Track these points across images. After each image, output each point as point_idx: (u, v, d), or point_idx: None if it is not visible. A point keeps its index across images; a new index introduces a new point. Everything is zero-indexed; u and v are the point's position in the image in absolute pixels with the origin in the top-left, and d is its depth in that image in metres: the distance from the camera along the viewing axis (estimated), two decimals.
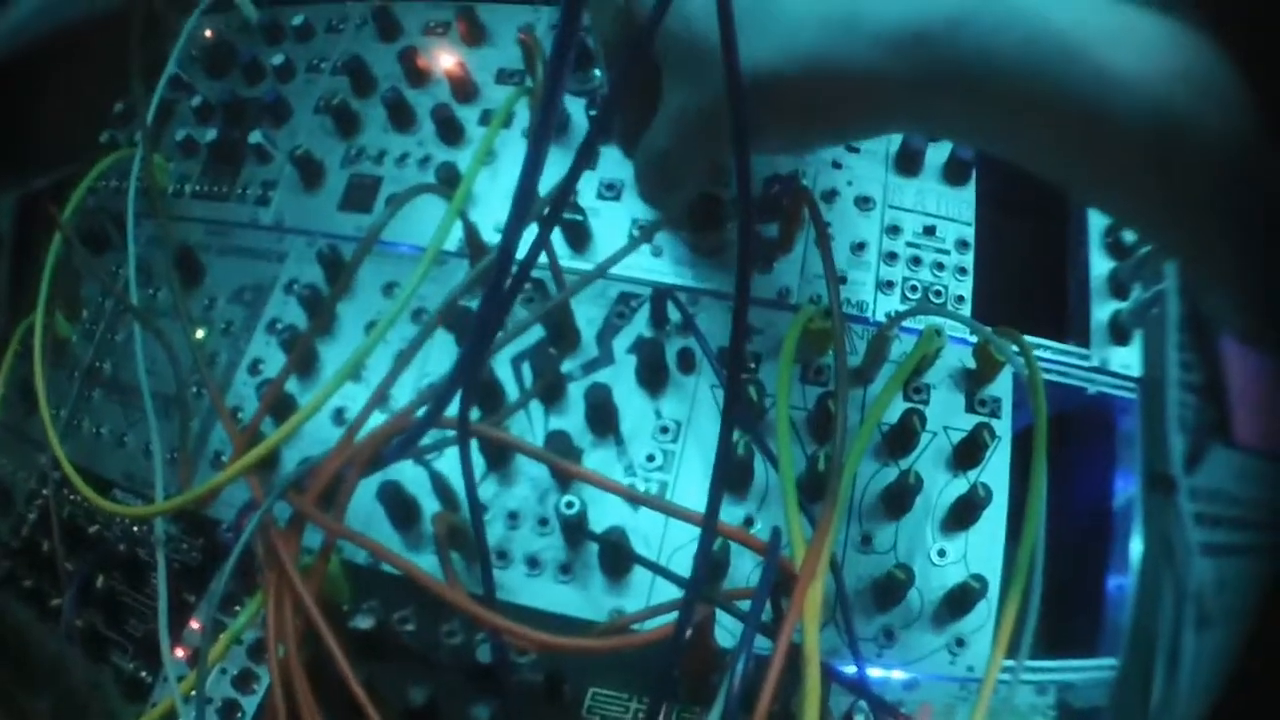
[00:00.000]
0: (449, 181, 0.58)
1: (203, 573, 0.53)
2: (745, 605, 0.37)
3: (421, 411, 0.41)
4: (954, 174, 0.57)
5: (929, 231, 0.56)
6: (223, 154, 0.65)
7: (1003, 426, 0.51)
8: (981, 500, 0.47)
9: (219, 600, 0.46)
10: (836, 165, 0.57)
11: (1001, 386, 0.52)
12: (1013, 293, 0.57)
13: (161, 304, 0.61)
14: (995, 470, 0.50)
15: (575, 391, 0.52)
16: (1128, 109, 0.31)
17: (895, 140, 0.58)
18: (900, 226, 0.56)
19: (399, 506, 0.49)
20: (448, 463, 0.49)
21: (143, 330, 0.58)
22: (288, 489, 0.44)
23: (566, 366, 0.53)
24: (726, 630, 0.44)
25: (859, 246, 0.55)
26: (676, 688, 0.43)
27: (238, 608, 0.49)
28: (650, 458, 0.51)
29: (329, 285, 0.57)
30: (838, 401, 0.43)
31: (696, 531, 0.34)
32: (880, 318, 0.54)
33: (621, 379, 0.53)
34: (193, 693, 0.45)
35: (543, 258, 0.51)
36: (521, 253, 0.31)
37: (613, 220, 0.57)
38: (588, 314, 0.54)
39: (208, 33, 0.71)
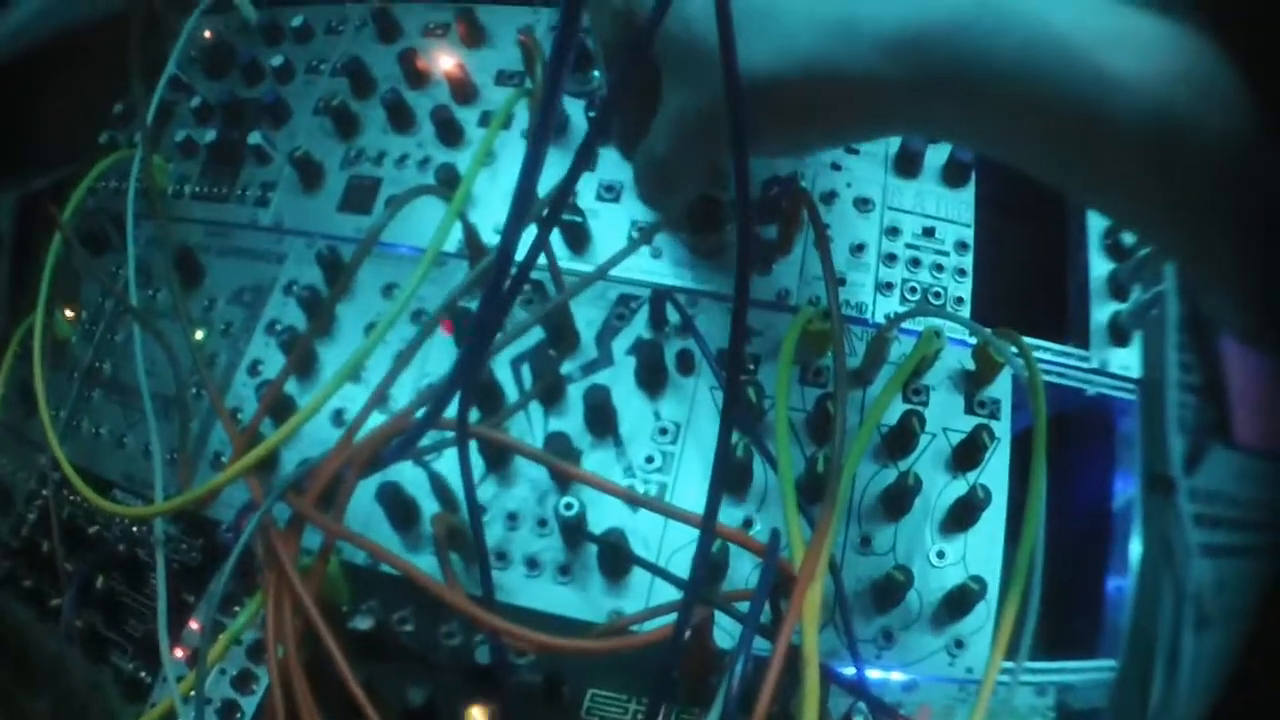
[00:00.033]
0: (448, 183, 0.58)
1: (202, 573, 0.53)
2: (744, 607, 0.37)
3: (421, 413, 0.41)
4: (953, 176, 0.57)
5: (928, 233, 0.56)
6: (222, 155, 0.65)
7: (1002, 428, 0.51)
8: (981, 502, 0.47)
9: (218, 601, 0.46)
10: (836, 167, 0.58)
11: (1001, 388, 0.52)
12: (1012, 294, 0.57)
13: (161, 305, 0.61)
14: (994, 472, 0.50)
15: (574, 393, 0.52)
16: (1128, 111, 0.31)
17: (894, 142, 0.58)
18: (899, 228, 0.56)
19: (398, 507, 0.49)
20: (447, 464, 0.49)
21: (142, 331, 0.58)
22: (287, 490, 0.44)
23: (566, 368, 0.53)
24: (725, 631, 0.44)
25: (858, 248, 0.55)
26: (675, 689, 0.43)
27: (237, 608, 0.50)
28: (649, 459, 0.51)
29: (328, 286, 0.57)
30: (837, 403, 0.43)
31: (695, 533, 0.34)
32: (879, 319, 0.54)
33: (621, 380, 0.53)
34: (192, 693, 0.45)
35: (542, 259, 0.51)
36: (521, 254, 0.31)
37: (612, 222, 0.57)
38: (587, 315, 0.55)
39: (207, 34, 0.71)
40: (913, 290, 0.54)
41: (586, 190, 0.58)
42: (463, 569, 0.47)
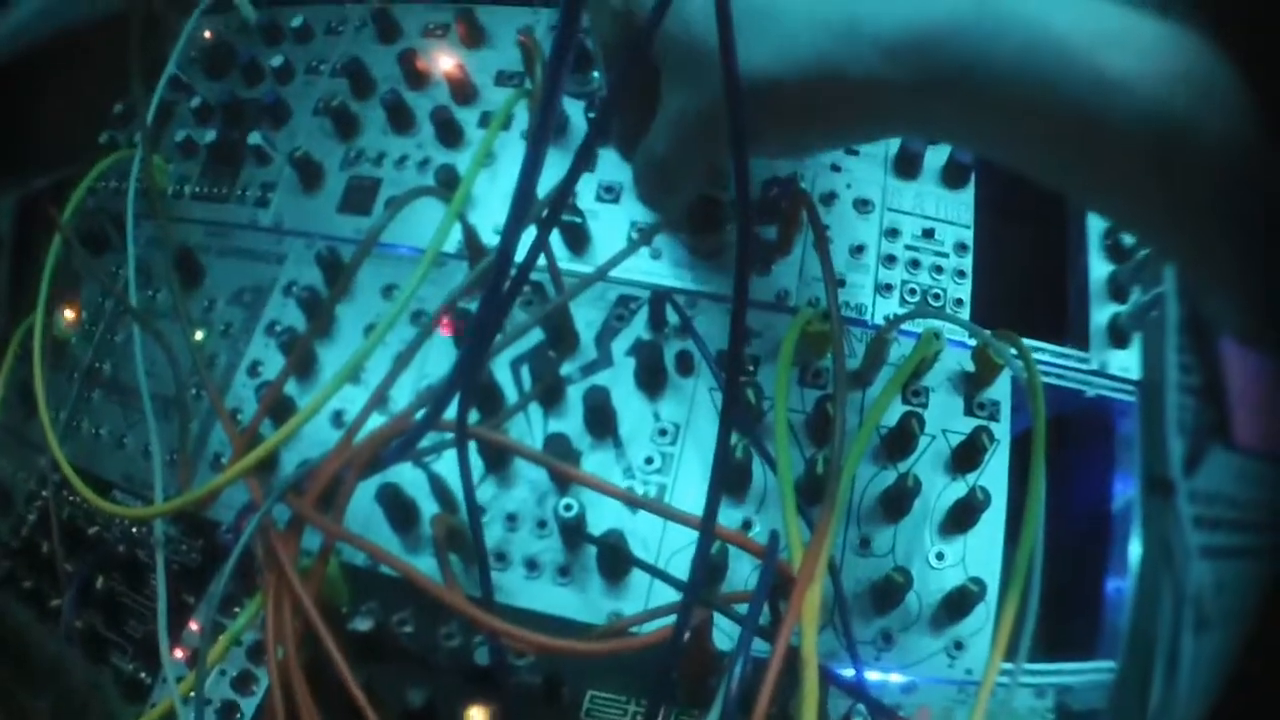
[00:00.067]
0: (448, 183, 0.58)
1: (202, 574, 0.53)
2: (743, 608, 0.37)
3: (420, 414, 0.41)
4: (953, 177, 0.57)
5: (928, 234, 0.56)
6: (222, 155, 0.65)
7: (1001, 429, 0.51)
8: (980, 503, 0.47)
9: (218, 602, 0.46)
10: (835, 168, 0.58)
11: (1000, 389, 0.52)
12: (1011, 296, 0.57)
13: (161, 305, 0.61)
14: (994, 473, 0.50)
15: (574, 394, 0.52)
16: (1127, 112, 0.31)
17: (894, 143, 0.58)
18: (899, 229, 0.56)
19: (398, 509, 0.49)
20: (446, 465, 0.49)
21: (142, 332, 0.58)
22: (287, 491, 0.44)
23: (565, 369, 0.53)
24: (725, 633, 0.44)
25: (858, 249, 0.55)
26: (675, 690, 0.43)
27: (237, 609, 0.50)
28: (649, 460, 0.51)
29: (328, 287, 0.57)
30: (836, 404, 0.43)
31: (695, 534, 0.34)
32: (879, 320, 0.54)
33: (620, 381, 0.53)
34: (192, 694, 0.45)
35: (541, 260, 0.51)
36: (520, 255, 0.31)
37: (611, 223, 0.57)
38: (586, 316, 0.55)
39: (207, 34, 0.71)
40: (912, 292, 0.54)
41: (586, 191, 0.58)
42: (462, 570, 0.47)
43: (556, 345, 0.53)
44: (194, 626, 0.51)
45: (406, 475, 0.49)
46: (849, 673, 0.43)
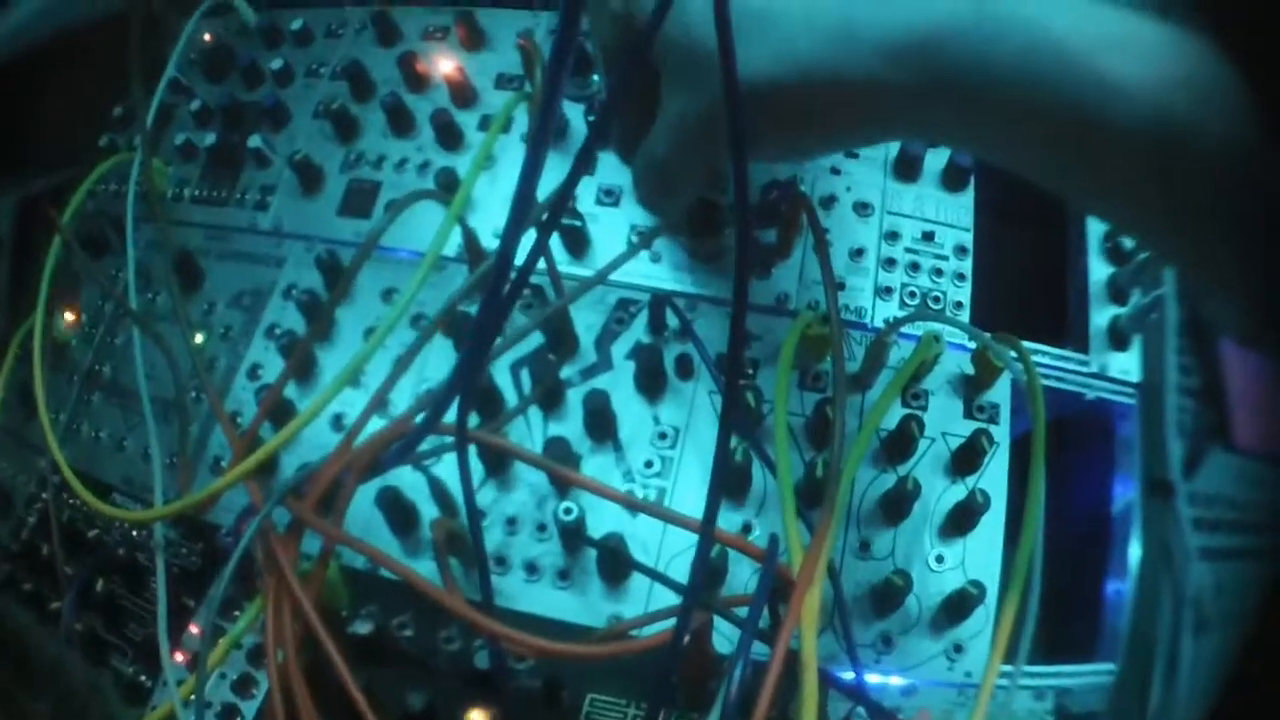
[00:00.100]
0: (448, 186, 0.58)
1: (202, 577, 0.53)
2: (743, 611, 0.37)
3: (420, 417, 0.41)
4: (953, 180, 0.57)
5: (927, 237, 0.56)
6: (222, 158, 0.65)
7: (1001, 432, 0.51)
8: (979, 506, 0.47)
9: (218, 605, 0.46)
10: (835, 171, 0.58)
11: (1000, 392, 0.52)
12: (1011, 298, 0.57)
13: (161, 308, 0.61)
14: (993, 476, 0.50)
15: (574, 398, 0.52)
16: (1128, 116, 0.31)
17: (894, 146, 0.58)
18: (899, 232, 0.56)
19: (397, 512, 0.49)
20: (446, 469, 0.49)
21: (142, 334, 0.58)
22: (286, 494, 0.44)
23: (565, 373, 0.53)
24: (724, 636, 0.44)
25: (857, 252, 0.55)
26: (674, 694, 0.43)
27: (237, 612, 0.50)
28: (648, 464, 0.51)
29: (328, 290, 0.57)
30: (836, 407, 0.43)
31: (694, 538, 0.34)
32: (879, 324, 0.54)
33: (620, 385, 0.53)
34: (192, 697, 0.45)
35: (541, 264, 0.51)
36: (520, 258, 0.31)
37: (611, 226, 0.57)
38: (586, 320, 0.55)
39: (206, 36, 0.71)
40: (912, 295, 0.54)
41: (586, 194, 0.58)
42: (462, 574, 0.47)
43: (556, 349, 0.53)
44: (194, 629, 0.51)
45: (406, 479, 0.49)
46: (849, 676, 0.43)
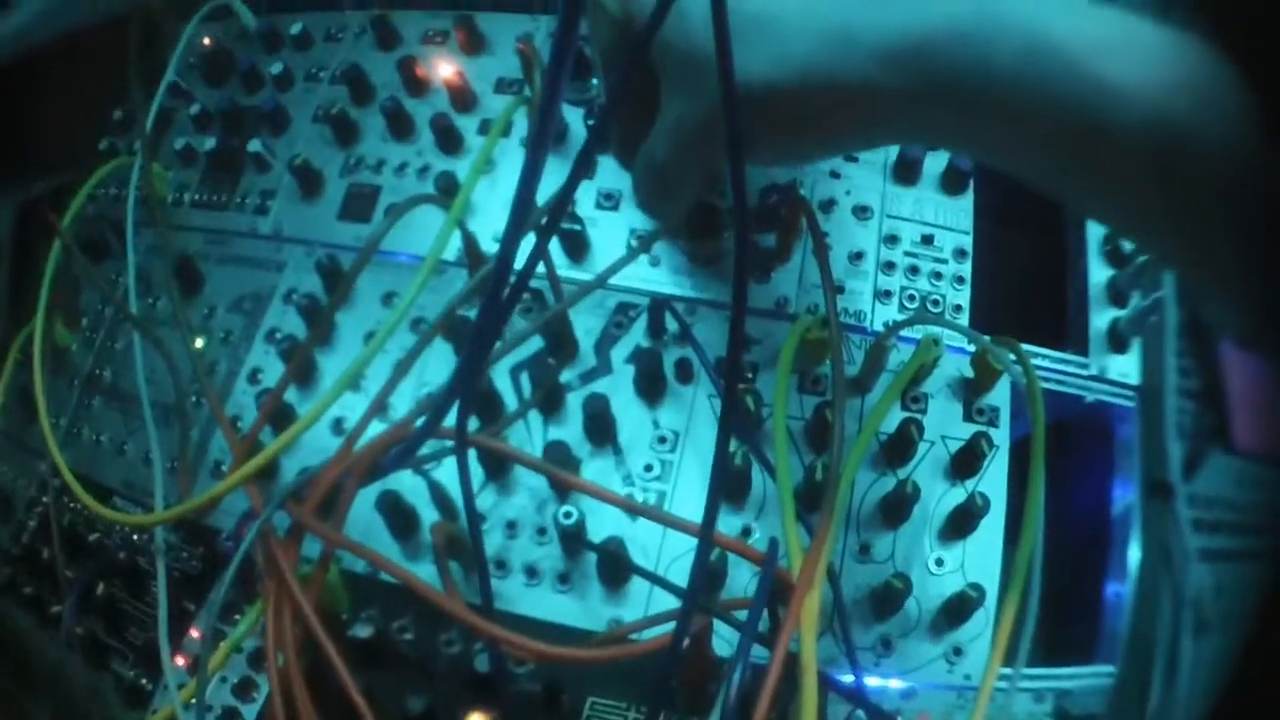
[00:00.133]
0: (448, 191, 0.58)
1: (203, 581, 0.53)
2: (743, 615, 0.37)
3: (420, 421, 0.41)
4: (952, 183, 0.57)
5: (927, 241, 0.56)
6: (221, 163, 0.66)
7: (1000, 435, 0.51)
8: (979, 509, 0.47)
9: (219, 609, 0.46)
10: (834, 175, 0.58)
11: (999, 395, 0.52)
12: (1010, 301, 0.57)
13: (161, 313, 0.62)
14: (993, 479, 0.50)
15: (573, 401, 0.52)
16: (1127, 118, 0.31)
17: (893, 150, 0.58)
18: (898, 236, 0.56)
19: (397, 516, 0.49)
20: (446, 472, 0.49)
21: (142, 339, 0.58)
22: (287, 498, 0.44)
23: (565, 376, 0.53)
24: (724, 640, 0.44)
25: (857, 256, 0.55)
26: (674, 697, 0.43)
27: (237, 616, 0.50)
28: (648, 468, 0.51)
29: (328, 295, 0.57)
30: (835, 411, 0.43)
31: (694, 541, 0.34)
32: (878, 327, 0.54)
33: (619, 389, 0.53)
34: (193, 700, 0.45)
35: (541, 268, 0.51)
36: (520, 262, 0.31)
37: (611, 230, 0.57)
38: (586, 324, 0.55)
39: (206, 40, 0.71)
40: (911, 298, 0.54)
41: (585, 198, 0.58)
42: (462, 577, 0.47)
43: (556, 353, 0.53)
44: (194, 633, 0.51)
45: (406, 483, 0.49)
46: (848, 679, 0.43)
